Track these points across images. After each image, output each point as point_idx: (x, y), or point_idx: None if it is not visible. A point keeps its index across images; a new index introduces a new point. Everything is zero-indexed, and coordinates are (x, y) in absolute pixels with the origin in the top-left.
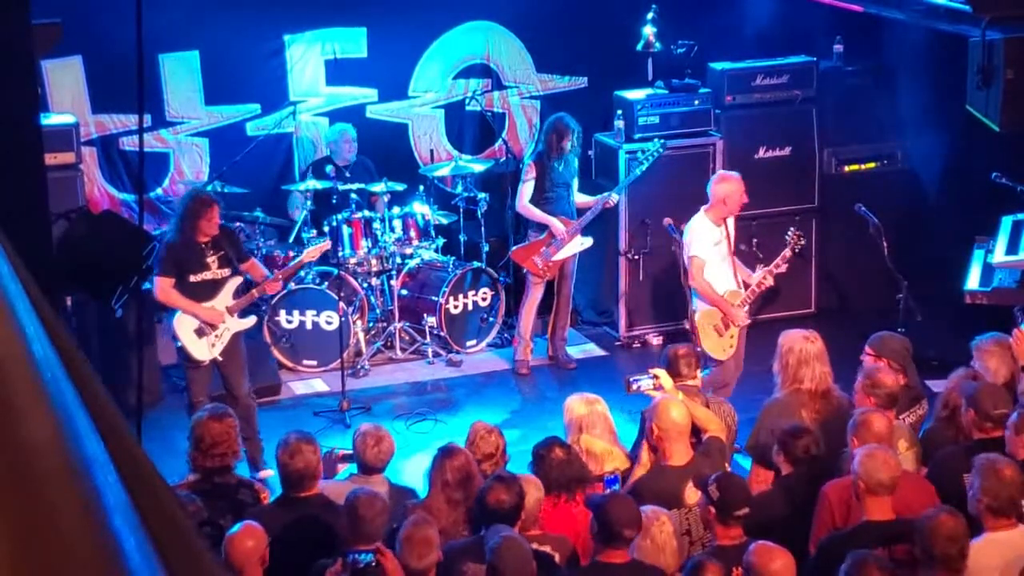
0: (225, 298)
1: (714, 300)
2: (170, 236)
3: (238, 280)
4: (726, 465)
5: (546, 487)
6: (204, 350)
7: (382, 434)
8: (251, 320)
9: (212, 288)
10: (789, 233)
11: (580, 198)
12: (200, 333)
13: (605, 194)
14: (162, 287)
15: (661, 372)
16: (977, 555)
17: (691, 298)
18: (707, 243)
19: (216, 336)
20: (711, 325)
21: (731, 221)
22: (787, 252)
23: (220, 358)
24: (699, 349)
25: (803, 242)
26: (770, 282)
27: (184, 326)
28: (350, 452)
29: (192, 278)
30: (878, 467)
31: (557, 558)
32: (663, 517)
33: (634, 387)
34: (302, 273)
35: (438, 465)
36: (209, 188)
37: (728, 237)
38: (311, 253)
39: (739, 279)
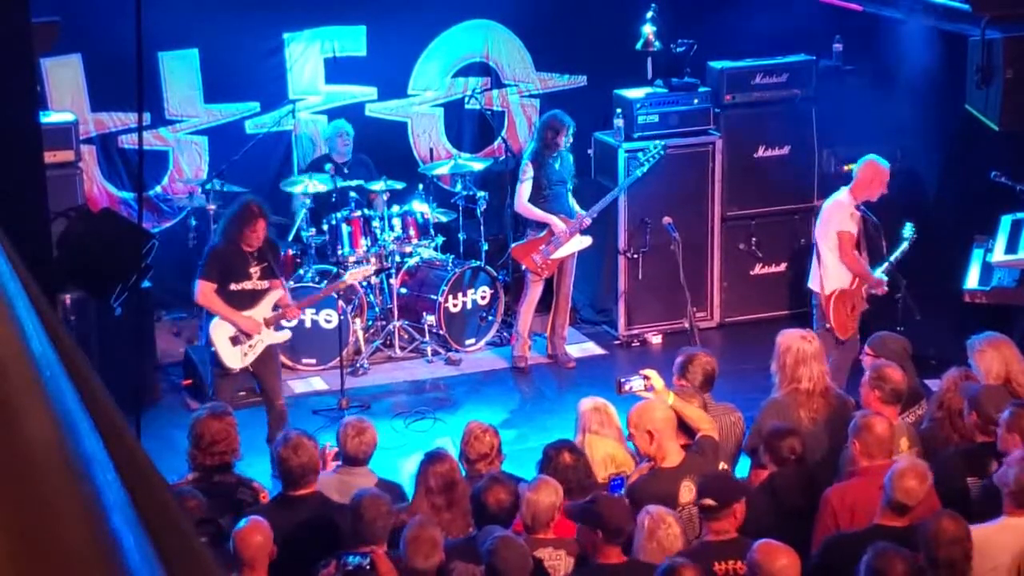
0: (264, 309)
1: (861, 273)
2: (216, 241)
3: (278, 293)
4: (720, 464)
5: None
6: (236, 358)
7: (364, 425)
8: (286, 334)
9: (251, 298)
10: (909, 232)
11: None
12: (235, 341)
13: (583, 214)
14: (203, 291)
15: (652, 373)
16: (992, 535)
17: (820, 274)
18: (850, 218)
19: (250, 346)
20: (843, 306)
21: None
22: (905, 246)
23: (252, 368)
24: (829, 326)
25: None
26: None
27: (220, 332)
28: None
29: (233, 286)
30: (901, 491)
31: (569, 561)
32: (669, 519)
33: (625, 388)
34: (301, 271)
35: (422, 470)
36: (208, 186)
37: (859, 221)
38: (354, 275)
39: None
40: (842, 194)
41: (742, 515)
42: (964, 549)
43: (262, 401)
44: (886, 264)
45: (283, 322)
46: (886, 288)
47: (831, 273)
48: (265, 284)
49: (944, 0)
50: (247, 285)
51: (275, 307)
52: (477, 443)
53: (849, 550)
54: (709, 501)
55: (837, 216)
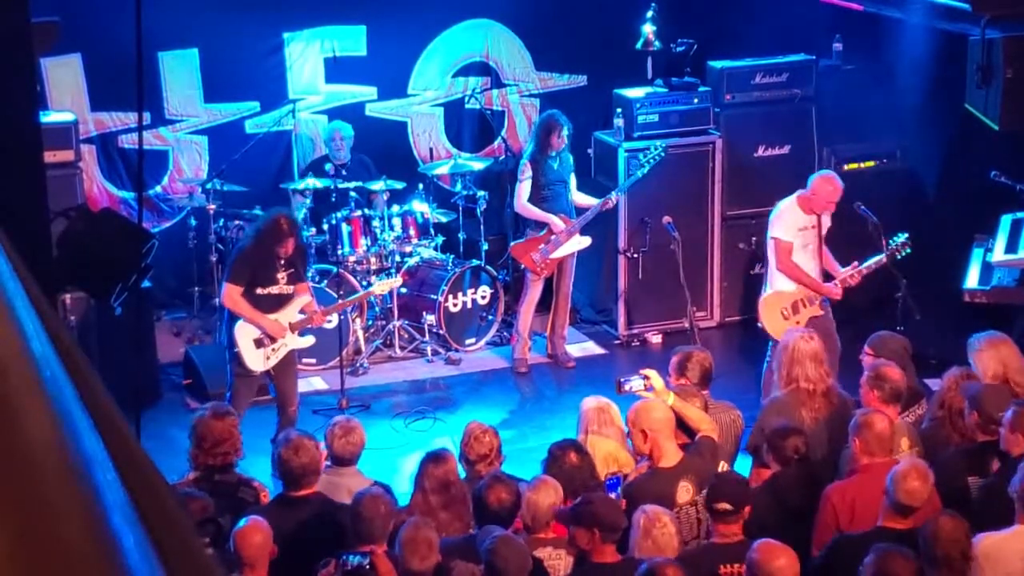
0: (290, 314)
1: (803, 280)
2: (245, 244)
3: (305, 298)
4: (719, 465)
5: None
6: (259, 361)
7: (352, 425)
8: (310, 339)
9: (276, 302)
10: (893, 242)
11: (580, 197)
12: (259, 344)
13: (607, 196)
14: (230, 294)
15: (652, 373)
16: (1005, 543)
17: (766, 279)
18: (790, 226)
19: (273, 349)
20: (778, 307)
21: (826, 218)
22: (882, 259)
23: (273, 371)
24: (760, 325)
25: (908, 251)
26: (855, 280)
27: (244, 334)
28: None
29: (260, 290)
30: (904, 492)
31: (568, 560)
32: (664, 518)
33: (625, 388)
34: None
35: (420, 470)
36: (208, 186)
37: (818, 228)
38: (382, 286)
39: (820, 271)
40: (789, 200)
41: (747, 516)
42: (962, 548)
43: (269, 402)
44: (852, 269)
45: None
46: (839, 294)
47: (773, 276)
48: (290, 289)
49: None
50: (273, 290)
51: (301, 312)
52: (477, 444)
53: (853, 551)
54: (726, 505)
55: (776, 222)
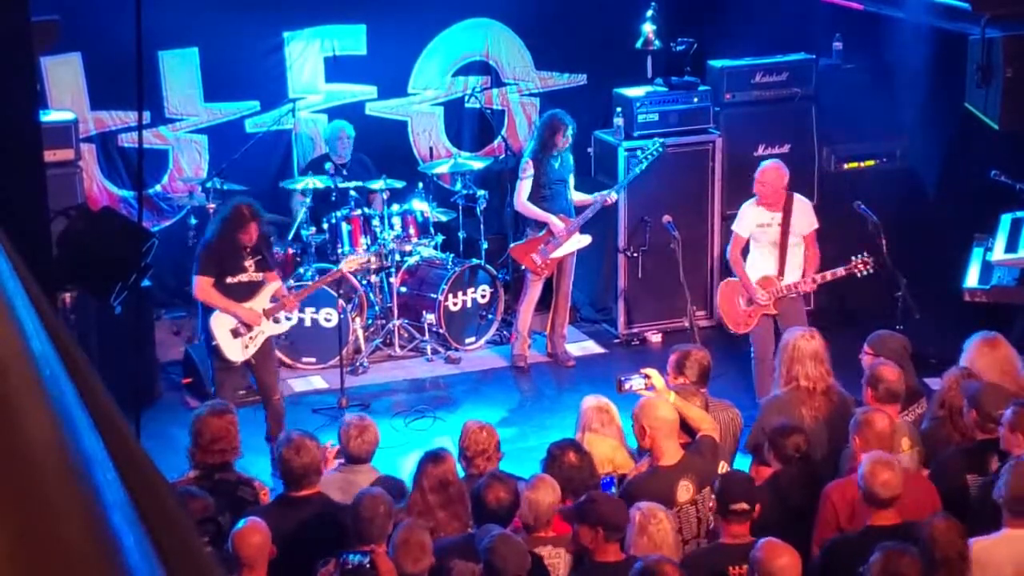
0: (263, 301)
1: (739, 275)
2: (210, 236)
3: (275, 285)
4: (720, 464)
5: None
6: (238, 351)
7: (366, 424)
8: (286, 325)
9: (248, 290)
10: (855, 257)
11: (578, 196)
12: (235, 334)
13: (604, 192)
14: (201, 286)
15: (652, 372)
16: (993, 547)
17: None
18: (748, 222)
19: (250, 338)
20: (736, 294)
21: (798, 217)
22: (840, 271)
23: (253, 361)
24: (718, 313)
25: (869, 271)
26: (809, 287)
27: (220, 325)
28: None
29: (229, 279)
30: (879, 486)
31: (568, 559)
32: (660, 514)
33: (626, 387)
34: (301, 270)
35: (419, 469)
36: (208, 185)
37: (784, 227)
38: (350, 263)
39: (781, 268)
40: (753, 198)
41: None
42: (958, 549)
43: (261, 402)
44: (801, 278)
45: (282, 313)
46: (765, 302)
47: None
48: (260, 276)
49: None
50: (243, 278)
51: (273, 299)
52: (474, 440)
53: (847, 550)
54: (744, 505)
55: (737, 217)
